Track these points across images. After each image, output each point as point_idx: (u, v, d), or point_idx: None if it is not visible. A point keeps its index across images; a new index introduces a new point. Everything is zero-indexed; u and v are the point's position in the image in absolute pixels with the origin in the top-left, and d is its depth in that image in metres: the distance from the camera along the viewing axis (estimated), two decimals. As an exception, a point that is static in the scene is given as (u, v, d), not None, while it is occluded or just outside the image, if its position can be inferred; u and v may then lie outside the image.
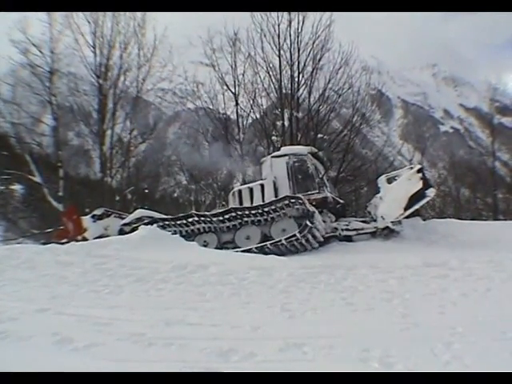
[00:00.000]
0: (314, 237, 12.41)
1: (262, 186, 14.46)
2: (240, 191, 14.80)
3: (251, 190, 14.59)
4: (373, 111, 24.95)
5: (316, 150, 15.86)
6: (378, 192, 14.04)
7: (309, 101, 23.19)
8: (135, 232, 12.43)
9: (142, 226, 12.90)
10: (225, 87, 24.17)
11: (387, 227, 13.13)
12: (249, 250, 12.40)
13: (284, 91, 23.26)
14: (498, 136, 33.37)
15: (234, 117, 24.70)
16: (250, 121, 24.80)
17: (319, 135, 22.73)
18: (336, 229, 13.68)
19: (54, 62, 22.59)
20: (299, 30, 22.52)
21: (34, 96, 22.87)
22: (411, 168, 13.58)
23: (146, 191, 28.98)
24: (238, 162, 23.93)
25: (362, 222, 14.17)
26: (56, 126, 23.23)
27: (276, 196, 13.81)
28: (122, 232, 14.26)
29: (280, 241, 12.41)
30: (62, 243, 12.26)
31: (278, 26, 22.55)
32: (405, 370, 3.99)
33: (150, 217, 14.48)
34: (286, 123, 22.82)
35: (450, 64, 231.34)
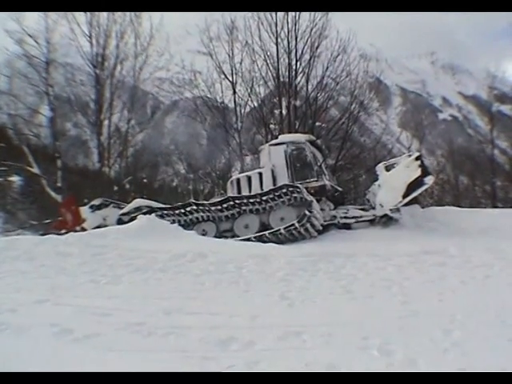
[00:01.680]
0: (313, 225, 12.41)
1: (261, 174, 14.41)
2: (238, 180, 14.76)
3: (249, 178, 14.55)
4: (371, 99, 24.87)
5: (314, 138, 15.83)
6: (377, 180, 14.01)
7: (307, 89, 23.11)
8: (134, 222, 12.42)
9: (141, 216, 12.90)
10: (222, 76, 24.06)
11: (386, 215, 13.13)
12: (247, 239, 12.41)
13: (282, 79, 23.14)
14: (496, 124, 33.29)
15: (231, 105, 24.59)
16: (247, 109, 24.72)
17: (317, 123, 22.62)
18: (335, 217, 13.69)
19: (50, 52, 22.50)
20: (296, 17, 22.37)
21: (30, 87, 22.76)
22: (410, 155, 13.53)
23: (145, 181, 29.01)
24: (236, 151, 23.94)
25: (361, 209, 14.18)
26: (53, 116, 23.15)
27: (274, 184, 13.78)
28: (120, 222, 14.26)
29: (279, 230, 12.41)
30: (61, 234, 12.27)
31: (276, 13, 22.43)
32: (406, 370, 3.95)
33: (148, 206, 14.48)
34: (284, 111, 22.78)
35: (449, 52, 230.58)
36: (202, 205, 13.74)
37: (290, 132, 20.12)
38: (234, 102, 24.16)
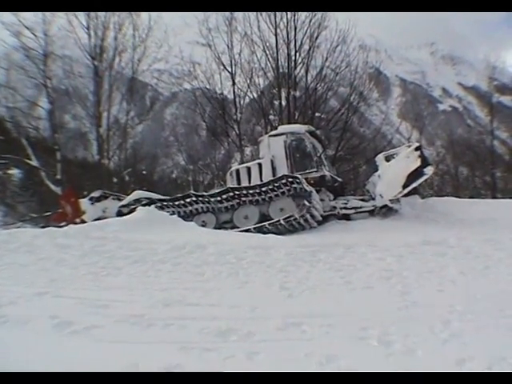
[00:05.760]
0: (313, 216, 12.40)
1: (260, 165, 14.42)
2: (238, 171, 14.77)
3: (249, 169, 14.56)
4: (370, 90, 24.91)
5: (314, 129, 15.82)
6: (377, 170, 14.00)
7: (306, 79, 23.11)
8: (133, 213, 12.40)
9: (140, 208, 12.87)
10: (221, 67, 24.09)
11: (385, 205, 13.12)
12: (247, 230, 12.40)
13: (281, 70, 23.16)
14: (496, 114, 33.38)
15: (231, 96, 24.59)
16: (247, 100, 24.76)
17: (317, 114, 22.64)
18: (334, 207, 13.68)
19: (48, 44, 22.38)
20: (295, 8, 22.32)
21: (28, 79, 22.69)
22: (409, 146, 13.50)
23: (144, 172, 29.01)
24: (236, 142, 23.94)
25: (361, 200, 14.17)
26: (52, 109, 23.09)
27: (274, 175, 13.79)
28: (120, 214, 14.24)
29: (278, 221, 12.40)
30: (61, 226, 12.24)
31: (274, 4, 22.34)
32: (405, 361, 3.94)
33: (147, 198, 14.45)
34: (284, 102, 22.79)
35: (448, 42, 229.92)
36: (202, 196, 13.73)
37: (289, 123, 20.13)
38: (234, 93, 24.17)
